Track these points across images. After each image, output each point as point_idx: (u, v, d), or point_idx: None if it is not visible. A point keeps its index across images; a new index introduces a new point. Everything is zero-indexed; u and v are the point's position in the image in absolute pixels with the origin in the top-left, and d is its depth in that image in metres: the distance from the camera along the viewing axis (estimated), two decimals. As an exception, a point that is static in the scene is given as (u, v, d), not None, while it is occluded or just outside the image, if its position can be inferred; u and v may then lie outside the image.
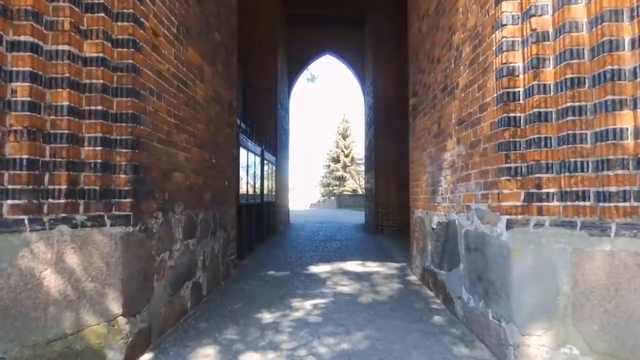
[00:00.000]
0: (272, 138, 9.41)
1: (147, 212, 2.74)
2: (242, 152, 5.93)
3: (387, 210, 9.23)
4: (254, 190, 6.86)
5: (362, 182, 40.55)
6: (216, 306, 3.64)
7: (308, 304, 3.71)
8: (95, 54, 2.39)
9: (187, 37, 3.44)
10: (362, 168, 39.89)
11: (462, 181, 3.18)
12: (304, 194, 41.59)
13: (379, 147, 9.43)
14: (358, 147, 40.67)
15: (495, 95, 2.57)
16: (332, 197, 31.45)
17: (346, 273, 5.09)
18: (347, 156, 40.05)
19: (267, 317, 3.31)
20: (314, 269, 5.37)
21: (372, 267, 5.50)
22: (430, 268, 4.16)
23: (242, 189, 6.01)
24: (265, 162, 8.05)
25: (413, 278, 4.78)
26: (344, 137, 40.48)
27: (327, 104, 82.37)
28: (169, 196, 3.09)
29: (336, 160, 40.35)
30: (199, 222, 3.77)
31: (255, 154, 6.97)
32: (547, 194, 2.26)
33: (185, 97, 3.45)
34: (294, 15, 10.81)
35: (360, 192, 37.57)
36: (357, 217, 15.98)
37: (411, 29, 5.26)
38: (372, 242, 8.08)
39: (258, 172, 7.32)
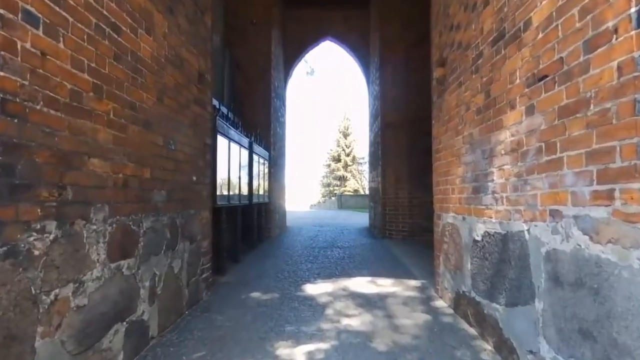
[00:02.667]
0: (265, 130, 8.27)
1: (20, 223, 1.60)
2: (222, 141, 4.78)
3: (395, 212, 8.07)
4: (240, 190, 5.70)
5: (364, 182, 39.40)
6: (166, 357, 2.49)
7: (300, 351, 2.56)
8: None
9: (116, -45, 2.30)
10: (364, 168, 38.77)
11: (539, 171, 2.03)
12: (304, 195, 40.44)
13: (386, 141, 8.27)
14: (359, 146, 39.52)
15: (631, 10, 1.42)
16: (333, 198, 30.25)
17: (352, 295, 3.94)
18: (348, 155, 38.88)
19: (235, 381, 2.16)
20: (311, 288, 4.21)
21: (385, 285, 4.35)
22: (469, 295, 3.01)
23: (223, 188, 4.86)
24: (256, 156, 6.90)
25: (441, 304, 3.62)
26: (345, 135, 39.30)
27: (327, 101, 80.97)
28: (77, 195, 1.94)
29: (337, 159, 39.19)
30: (143, 233, 2.62)
31: (242, 146, 5.82)
32: None
33: (115, 47, 2.30)
34: (291, -5, 9.68)
35: (362, 192, 36.41)
36: (360, 219, 14.81)
37: (435, -19, 4.10)
38: (381, 250, 6.92)
39: (245, 168, 6.17)
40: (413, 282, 4.47)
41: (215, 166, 4.43)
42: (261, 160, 7.43)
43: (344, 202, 28.12)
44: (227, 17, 8.11)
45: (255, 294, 3.97)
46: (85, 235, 2.01)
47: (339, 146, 39.25)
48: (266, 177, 8.07)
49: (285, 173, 11.47)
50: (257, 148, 6.97)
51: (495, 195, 2.55)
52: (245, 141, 5.98)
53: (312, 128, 74.81)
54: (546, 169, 1.96)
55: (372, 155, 10.10)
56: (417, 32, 7.97)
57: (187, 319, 3.21)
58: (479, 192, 2.83)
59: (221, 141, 4.71)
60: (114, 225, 2.27)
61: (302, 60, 19.29)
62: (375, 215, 9.59)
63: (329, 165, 39.95)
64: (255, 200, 6.81)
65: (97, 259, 2.11)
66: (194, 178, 3.60)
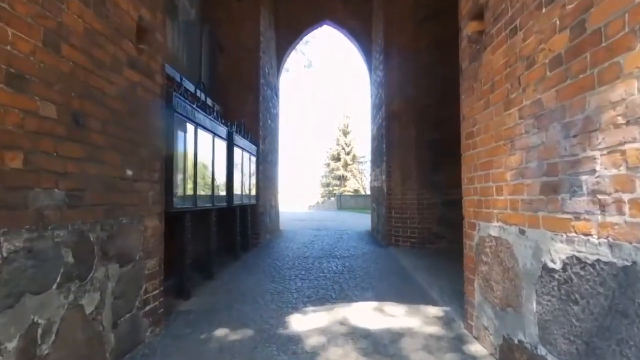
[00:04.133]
0: (252, 121, 7.21)
1: None
2: (184, 126, 3.71)
3: (403, 215, 7.00)
4: (215, 189, 4.64)
5: (365, 182, 38.26)
6: None
7: None
8: None
9: None
10: (365, 167, 37.66)
11: None
12: (303, 195, 39.40)
13: (392, 133, 7.20)
14: (360, 145, 38.48)
15: None
16: (332, 198, 29.14)
17: (354, 334, 2.87)
18: (348, 154, 37.80)
19: None
20: (298, 321, 3.16)
21: (397, 315, 3.29)
22: (533, 350, 1.95)
23: (187, 187, 3.79)
24: (238, 150, 5.84)
25: (480, 351, 2.56)
26: (345, 133, 38.22)
27: (327, 98, 79.45)
28: None
29: (337, 158, 38.11)
30: (3, 259, 1.56)
31: (217, 136, 4.75)
32: None
33: None
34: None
35: (363, 193, 35.31)
36: (361, 221, 13.75)
37: None
38: (387, 262, 5.86)
39: (223, 163, 5.11)
40: (433, 310, 3.41)
41: (173, 158, 3.36)
42: (246, 155, 6.37)
43: (343, 202, 27.04)
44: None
45: (221, 331, 2.91)
46: None
47: (338, 144, 38.17)
48: (253, 174, 7.01)
49: (279, 171, 10.42)
50: (240, 140, 5.91)
51: (601, 197, 1.49)
52: (222, 130, 4.91)
53: (312, 126, 73.62)
54: None
55: (375, 150, 9.03)
56: (426, 7, 6.94)
57: (107, 382, 2.16)
58: (557, 192, 1.77)
59: (182, 126, 3.65)
60: None
61: (300, 53, 18.27)
62: (378, 219, 8.52)
63: (328, 165, 38.87)
64: (237, 201, 5.75)
65: None
66: (129, 172, 2.54)
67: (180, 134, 3.58)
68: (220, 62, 7.13)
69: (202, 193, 4.26)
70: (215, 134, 4.63)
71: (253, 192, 6.95)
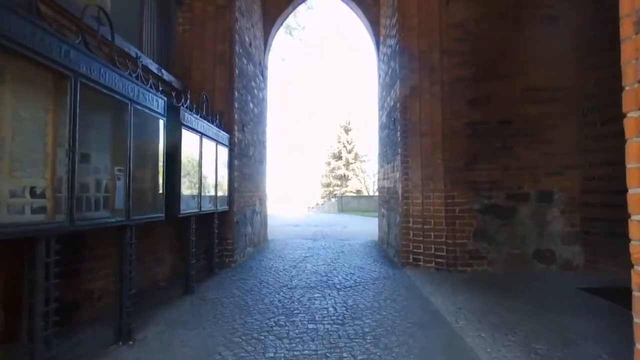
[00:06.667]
0: (223, 100, 5.42)
1: None
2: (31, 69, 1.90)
3: (425, 226, 5.19)
4: (130, 193, 2.83)
5: (367, 182, 36.26)
6: None
7: None
8: None
9: None
10: (367, 166, 35.60)
11: None
12: (301, 196, 37.62)
13: (410, 115, 5.39)
14: (362, 143, 36.67)
15: None
16: (333, 199, 27.25)
17: None
18: (350, 152, 35.95)
19: None
20: None
21: None
22: None
23: (58, 188, 1.99)
24: (191, 135, 4.06)
25: None
26: (347, 130, 36.36)
27: (327, 93, 77.04)
28: None
29: (338, 157, 36.26)
30: None
31: (142, 107, 2.95)
32: None
33: None
34: None
35: (366, 193, 33.47)
36: (366, 226, 11.95)
37: None
38: (409, 297, 4.05)
39: (157, 154, 3.30)
40: None
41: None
42: (209, 144, 4.58)
43: (345, 204, 25.21)
44: None
45: None
46: None
47: (339, 142, 36.32)
48: (224, 172, 5.21)
49: (271, 169, 8.64)
50: (196, 122, 4.12)
51: None
52: (150, 99, 3.10)
53: (312, 122, 71.56)
54: None
55: (385, 142, 7.23)
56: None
57: None
58: None
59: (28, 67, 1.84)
60: None
61: (297, 39, 16.47)
62: (389, 228, 6.71)
63: (329, 163, 37.02)
64: (190, 208, 3.96)
65: None
66: None
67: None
68: (178, 20, 5.33)
69: (97, 195, 2.46)
70: (135, 103, 2.82)
71: (221, 194, 5.14)
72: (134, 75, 2.87)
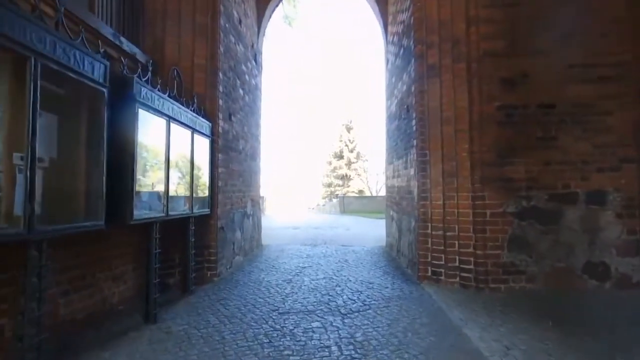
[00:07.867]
0: (203, 82, 4.52)
1: None
2: None
3: (447, 233, 4.28)
4: (73, 195, 1.94)
5: (370, 182, 35.22)
6: None
7: None
8: None
9: None
10: (370, 165, 34.53)
11: None
12: (302, 196, 36.75)
13: (428, 100, 4.48)
14: (364, 143, 35.77)
15: None
16: (334, 200, 26.30)
17: None
18: (352, 151, 35.01)
19: None
20: None
21: None
22: None
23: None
24: (156, 119, 3.17)
25: None
26: (348, 129, 35.42)
27: (329, 91, 75.67)
28: None
29: (339, 156, 35.32)
30: None
31: (80, 75, 2.06)
32: None
33: None
34: None
35: (369, 194, 32.51)
36: (371, 229, 11.04)
37: None
38: (435, 332, 3.15)
39: (101, 132, 2.41)
40: None
41: None
42: (183, 132, 3.69)
43: (347, 205, 24.26)
44: None
45: None
46: None
47: (341, 141, 35.37)
48: (204, 167, 4.32)
49: (266, 167, 7.72)
50: (162, 103, 3.23)
51: None
52: (79, 59, 2.20)
53: (313, 121, 70.30)
54: None
55: (395, 133, 6.33)
56: None
57: None
58: None
59: None
60: None
61: (296, 29, 15.61)
62: (401, 234, 5.81)
63: (330, 163, 36.07)
64: (153, 212, 3.07)
65: None
66: None
67: None
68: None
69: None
70: (46, 59, 1.93)
71: (201, 194, 4.25)
72: (53, 22, 1.98)
